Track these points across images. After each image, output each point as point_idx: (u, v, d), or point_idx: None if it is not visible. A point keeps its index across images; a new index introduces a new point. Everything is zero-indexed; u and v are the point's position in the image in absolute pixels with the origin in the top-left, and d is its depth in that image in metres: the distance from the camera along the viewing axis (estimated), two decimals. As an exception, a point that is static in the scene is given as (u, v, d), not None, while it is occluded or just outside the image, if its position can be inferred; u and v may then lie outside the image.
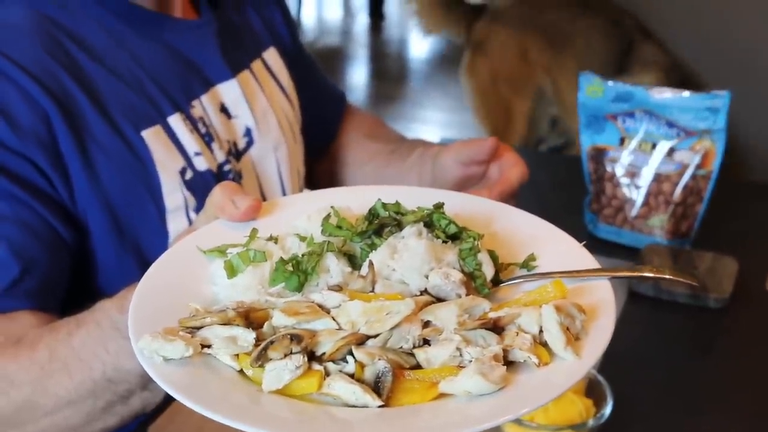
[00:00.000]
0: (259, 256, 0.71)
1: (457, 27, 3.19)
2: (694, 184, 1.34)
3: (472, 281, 0.71)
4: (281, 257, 0.70)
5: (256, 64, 1.23)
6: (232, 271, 0.70)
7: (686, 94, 1.32)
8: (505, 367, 0.63)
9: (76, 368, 0.84)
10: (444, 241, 0.74)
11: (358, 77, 5.04)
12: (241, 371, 0.64)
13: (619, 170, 1.37)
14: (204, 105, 1.11)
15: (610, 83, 1.36)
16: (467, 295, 0.69)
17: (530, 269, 0.75)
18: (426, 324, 0.66)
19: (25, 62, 0.96)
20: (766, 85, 2.57)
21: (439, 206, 0.76)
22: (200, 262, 0.74)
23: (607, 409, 0.92)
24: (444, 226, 0.75)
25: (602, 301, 0.70)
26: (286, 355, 0.62)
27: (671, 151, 1.34)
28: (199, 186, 1.07)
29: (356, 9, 5.83)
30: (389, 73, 5.09)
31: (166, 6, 1.11)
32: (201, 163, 1.08)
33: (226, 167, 1.11)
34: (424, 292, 0.70)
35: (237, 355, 0.64)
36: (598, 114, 1.37)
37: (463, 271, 0.71)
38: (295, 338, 0.63)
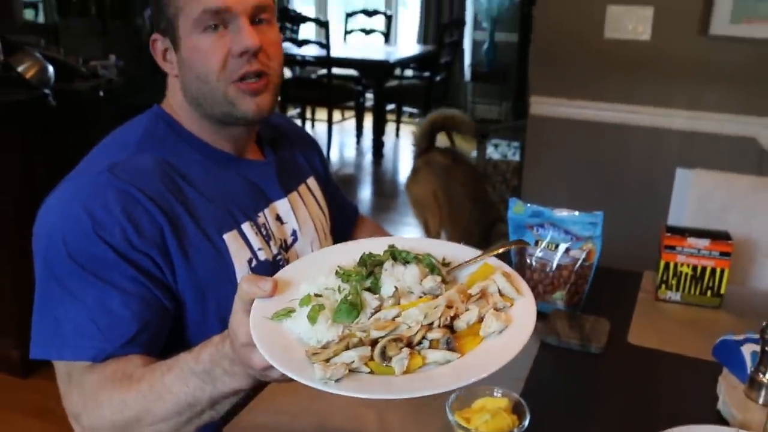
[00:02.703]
0: (321, 307, 0.72)
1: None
2: (582, 271, 1.34)
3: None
4: (342, 300, 0.73)
5: (302, 188, 1.24)
6: (314, 320, 0.71)
7: (576, 213, 1.32)
8: (503, 313, 0.72)
9: (167, 397, 0.84)
10: (407, 262, 0.79)
11: (365, 195, 5.06)
12: (371, 372, 0.67)
13: (534, 262, 1.37)
14: (266, 215, 1.12)
15: (528, 205, 1.37)
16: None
17: (448, 266, 0.82)
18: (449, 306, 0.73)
19: (150, 192, 0.97)
20: (628, 207, 2.59)
21: (392, 246, 0.82)
22: (272, 325, 0.73)
23: (526, 422, 0.91)
24: (404, 255, 0.79)
25: (507, 269, 0.80)
26: (401, 349, 0.68)
27: (567, 250, 1.33)
28: (261, 270, 1.06)
29: (365, 151, 5.89)
30: (385, 192, 5.11)
31: (242, 152, 1.13)
32: (262, 255, 1.07)
33: (279, 257, 1.11)
34: (423, 294, 0.75)
35: (366, 363, 0.68)
36: (521, 224, 1.37)
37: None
38: (398, 340, 0.69)
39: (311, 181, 1.28)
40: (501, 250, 0.84)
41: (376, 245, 0.82)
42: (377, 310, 0.73)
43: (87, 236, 0.92)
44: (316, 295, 0.75)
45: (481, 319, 0.72)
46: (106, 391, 0.88)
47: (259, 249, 1.07)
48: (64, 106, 2.70)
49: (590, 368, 1.18)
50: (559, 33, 2.60)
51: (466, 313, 0.72)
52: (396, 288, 0.74)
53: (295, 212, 1.18)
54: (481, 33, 6.66)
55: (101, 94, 2.89)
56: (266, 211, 1.12)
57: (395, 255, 0.80)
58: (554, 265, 1.34)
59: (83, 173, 0.99)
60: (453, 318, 0.72)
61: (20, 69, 2.67)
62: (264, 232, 1.10)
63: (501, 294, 0.75)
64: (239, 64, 1.00)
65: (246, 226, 1.07)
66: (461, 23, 6.16)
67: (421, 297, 0.74)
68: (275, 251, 1.11)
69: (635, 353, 1.23)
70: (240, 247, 1.05)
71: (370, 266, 0.78)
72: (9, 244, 2.54)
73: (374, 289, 0.76)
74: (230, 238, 1.04)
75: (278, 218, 1.15)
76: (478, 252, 0.84)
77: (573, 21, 2.56)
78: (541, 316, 1.33)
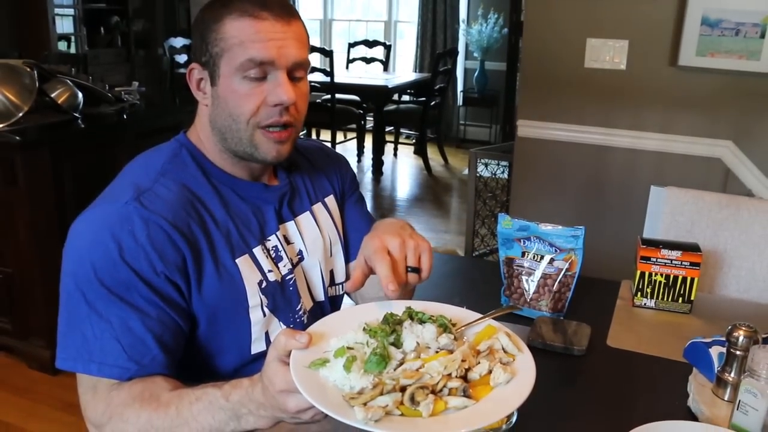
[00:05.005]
0: (353, 358, 0.75)
1: None
2: (565, 280, 1.35)
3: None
4: (372, 353, 0.76)
5: (317, 207, 1.20)
6: (348, 369, 0.74)
7: (560, 227, 1.33)
8: (508, 366, 0.77)
9: (193, 424, 0.85)
10: (423, 322, 0.81)
11: (366, 209, 5.06)
12: (402, 414, 0.71)
13: (522, 271, 1.38)
14: (278, 237, 1.10)
15: (516, 220, 1.38)
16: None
17: (456, 326, 0.85)
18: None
19: (174, 221, 0.97)
20: (607, 221, 2.60)
21: (409, 308, 0.85)
22: (309, 373, 0.75)
23: (514, 419, 0.93)
24: (420, 316, 0.82)
25: (507, 329, 0.84)
26: (427, 395, 0.72)
27: (552, 261, 1.35)
28: (270, 291, 1.05)
29: (366, 169, 5.91)
30: (384, 207, 5.12)
31: (257, 178, 1.11)
32: (272, 276, 1.06)
33: (288, 277, 1.10)
34: (438, 349, 0.79)
35: (397, 406, 0.71)
36: (509, 238, 1.39)
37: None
38: (424, 387, 0.73)
39: (330, 200, 1.24)
40: (498, 314, 0.90)
41: (395, 306, 0.86)
42: (401, 362, 0.76)
43: (114, 262, 0.92)
44: (348, 348, 0.78)
45: (489, 371, 0.77)
46: (133, 409, 0.88)
47: (269, 271, 1.06)
48: (91, 128, 2.72)
49: (573, 369, 1.19)
50: (543, 62, 2.63)
51: (477, 366, 0.77)
52: (417, 343, 0.79)
53: (302, 233, 1.15)
54: (473, 62, 6.71)
55: (125, 117, 2.91)
56: (277, 233, 1.10)
57: (412, 315, 0.84)
58: (540, 275, 1.35)
59: (112, 200, 0.98)
60: (467, 370, 0.77)
61: (53, 95, 2.70)
62: (273, 255, 1.08)
63: (504, 351, 0.80)
64: (271, 113, 1.00)
65: (257, 250, 1.05)
66: (454, 53, 6.19)
67: (437, 352, 0.79)
68: (285, 272, 1.09)
69: (613, 355, 1.24)
70: (251, 271, 1.03)
71: (393, 324, 0.82)
72: (41, 254, 2.55)
73: (397, 344, 0.79)
74: (242, 262, 1.02)
75: (286, 239, 1.12)
76: (479, 315, 0.89)
77: (556, 51, 2.59)
78: (527, 321, 1.37)
